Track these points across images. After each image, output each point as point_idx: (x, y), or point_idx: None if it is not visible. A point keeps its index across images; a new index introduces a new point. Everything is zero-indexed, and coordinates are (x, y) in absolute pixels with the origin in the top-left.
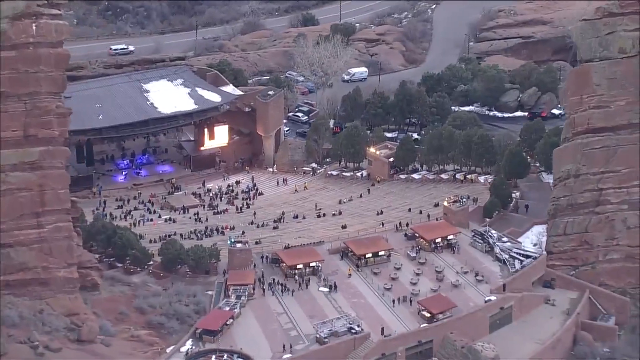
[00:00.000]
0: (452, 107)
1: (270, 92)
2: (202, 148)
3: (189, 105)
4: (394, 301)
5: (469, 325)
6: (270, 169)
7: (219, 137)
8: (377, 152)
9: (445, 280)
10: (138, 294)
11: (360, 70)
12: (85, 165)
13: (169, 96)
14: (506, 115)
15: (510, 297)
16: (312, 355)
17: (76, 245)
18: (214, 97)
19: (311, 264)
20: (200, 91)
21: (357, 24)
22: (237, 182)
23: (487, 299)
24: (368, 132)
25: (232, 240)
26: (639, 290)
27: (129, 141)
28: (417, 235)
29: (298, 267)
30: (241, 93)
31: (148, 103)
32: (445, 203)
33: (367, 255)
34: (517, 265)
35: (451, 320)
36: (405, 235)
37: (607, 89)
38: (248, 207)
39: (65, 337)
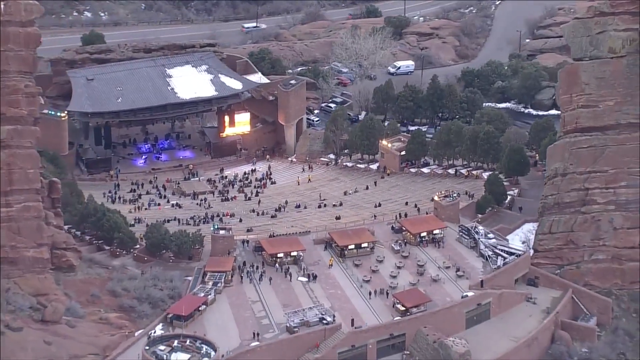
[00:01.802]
0: (489, 104)
1: (292, 82)
2: (222, 135)
3: (209, 91)
4: (370, 293)
5: (444, 320)
6: (290, 158)
7: (240, 124)
8: (389, 145)
9: (425, 274)
10: (113, 276)
11: (407, 64)
12: (103, 148)
13: (190, 82)
14: (540, 113)
15: (488, 293)
16: (280, 344)
17: (53, 226)
18: (235, 85)
19: (292, 254)
20: (223, 78)
21: (422, 18)
22: (253, 170)
23: (464, 294)
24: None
25: (216, 226)
26: (624, 292)
27: (153, 125)
28: (404, 228)
29: (279, 255)
30: (267, 81)
31: (169, 88)
32: (436, 197)
33: (349, 247)
34: (500, 262)
35: (425, 315)
36: (392, 228)
37: (596, 88)
38: (257, 195)
39: (29, 316)
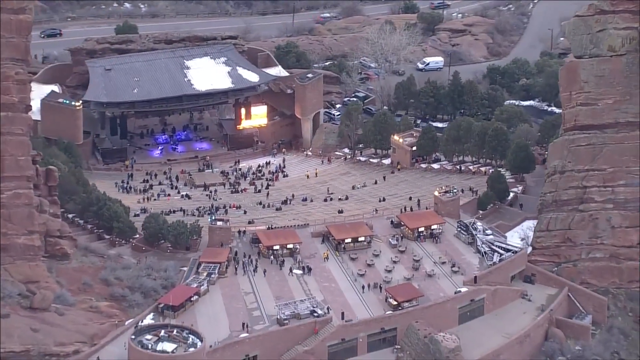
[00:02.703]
0: (512, 101)
1: (309, 75)
2: (239, 127)
3: (225, 83)
4: (363, 287)
5: (437, 316)
6: (306, 152)
7: (257, 117)
8: (400, 140)
9: (420, 269)
10: (107, 265)
11: (436, 60)
12: (119, 138)
13: (207, 74)
14: None
15: (482, 289)
16: (269, 336)
17: (49, 213)
18: (252, 77)
19: (288, 246)
20: (240, 70)
21: (460, 15)
22: (268, 163)
23: (457, 290)
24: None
25: (213, 217)
26: (621, 291)
27: (172, 116)
28: (402, 223)
29: (275, 248)
30: (286, 75)
31: (185, 79)
32: (436, 193)
33: (346, 240)
34: (496, 258)
35: (417, 309)
36: (392, 222)
37: (595, 86)
38: (267, 188)
39: (17, 303)
